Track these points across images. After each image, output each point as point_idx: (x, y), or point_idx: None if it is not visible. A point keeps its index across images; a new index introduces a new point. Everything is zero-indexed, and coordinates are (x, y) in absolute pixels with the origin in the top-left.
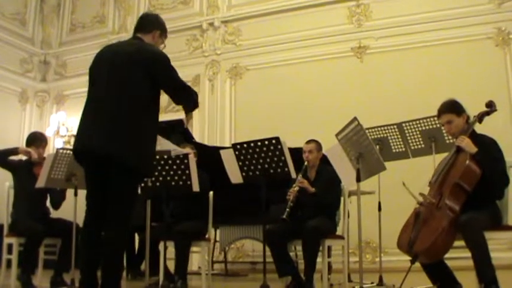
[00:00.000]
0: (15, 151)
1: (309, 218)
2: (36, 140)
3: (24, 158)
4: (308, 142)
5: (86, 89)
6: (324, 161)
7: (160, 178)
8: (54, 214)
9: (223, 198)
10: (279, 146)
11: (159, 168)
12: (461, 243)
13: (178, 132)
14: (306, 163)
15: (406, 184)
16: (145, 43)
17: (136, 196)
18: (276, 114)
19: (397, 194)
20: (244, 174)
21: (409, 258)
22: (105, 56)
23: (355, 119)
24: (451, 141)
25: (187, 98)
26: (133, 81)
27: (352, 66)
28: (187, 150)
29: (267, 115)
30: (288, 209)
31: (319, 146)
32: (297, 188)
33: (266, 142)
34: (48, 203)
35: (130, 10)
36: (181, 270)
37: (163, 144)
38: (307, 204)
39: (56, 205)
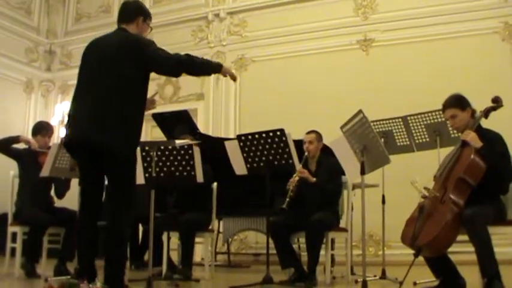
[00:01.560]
0: (16, 139)
1: (312, 211)
2: (42, 129)
3: (25, 146)
4: (308, 133)
5: None
6: (325, 151)
7: (165, 169)
8: (58, 203)
9: (227, 189)
10: (284, 138)
11: (164, 159)
12: (465, 237)
13: (183, 122)
14: (306, 154)
15: (413, 180)
16: (130, 33)
17: (133, 183)
18: (281, 106)
19: (401, 187)
20: (248, 165)
21: (412, 251)
22: (92, 51)
23: (360, 111)
24: (456, 135)
25: (189, 67)
26: (121, 72)
27: (358, 59)
28: (188, 141)
29: (272, 107)
30: (287, 199)
31: (319, 136)
32: (297, 178)
33: (271, 134)
34: (52, 192)
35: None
36: (186, 260)
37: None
38: (309, 195)
39: (60, 195)
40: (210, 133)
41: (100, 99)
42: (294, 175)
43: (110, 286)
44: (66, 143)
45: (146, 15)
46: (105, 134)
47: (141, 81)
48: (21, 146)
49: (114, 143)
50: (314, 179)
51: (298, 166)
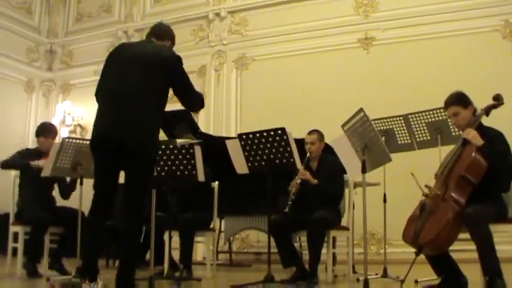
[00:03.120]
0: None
1: (314, 210)
2: (45, 131)
3: (31, 146)
4: (310, 133)
5: (92, 78)
6: (326, 150)
7: (166, 168)
8: (61, 203)
9: (229, 188)
10: (285, 137)
11: (165, 158)
12: (466, 235)
13: (184, 122)
14: (308, 154)
15: (413, 177)
16: (164, 46)
17: (150, 184)
18: (282, 105)
19: (403, 185)
20: (249, 164)
21: (414, 250)
22: (123, 54)
23: (361, 110)
24: (457, 133)
25: (194, 103)
26: (152, 78)
27: (359, 57)
28: (189, 140)
29: (273, 106)
30: (289, 202)
31: (321, 136)
32: (299, 181)
33: (272, 133)
34: (54, 193)
35: (136, 0)
36: (186, 260)
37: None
38: (311, 196)
39: (65, 195)
40: (211, 132)
41: (133, 101)
42: (296, 177)
43: (122, 285)
44: (95, 142)
45: (174, 42)
46: (139, 134)
47: (166, 90)
48: (23, 145)
49: (146, 144)
50: (316, 180)
51: (301, 167)
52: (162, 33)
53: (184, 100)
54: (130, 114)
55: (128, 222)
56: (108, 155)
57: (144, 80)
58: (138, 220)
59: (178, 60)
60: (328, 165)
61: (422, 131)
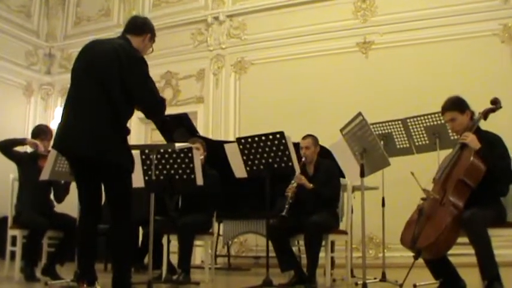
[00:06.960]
0: (22, 142)
1: (311, 213)
2: (42, 133)
3: (30, 150)
4: (304, 138)
5: None
6: (322, 154)
7: (165, 172)
8: (58, 208)
9: (227, 192)
10: (284, 141)
11: (163, 162)
12: (465, 239)
13: (182, 126)
14: (303, 159)
15: (413, 176)
16: (130, 45)
17: (131, 190)
18: (281, 109)
19: (401, 189)
20: (248, 168)
21: (412, 254)
22: (86, 56)
23: (359, 114)
24: (456, 137)
25: (151, 111)
26: (112, 82)
27: (357, 61)
28: (197, 145)
29: (272, 110)
30: (287, 206)
31: (315, 140)
32: (295, 185)
33: (270, 136)
34: (52, 197)
35: (135, 4)
36: (184, 264)
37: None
38: (307, 199)
39: (59, 199)
40: (210, 136)
41: (91, 111)
42: (292, 181)
43: None
44: (55, 148)
45: (154, 34)
46: (98, 146)
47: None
48: (22, 149)
49: (109, 155)
50: (311, 185)
51: (298, 170)
52: (139, 27)
53: (139, 104)
54: (79, 125)
55: (113, 231)
56: (76, 166)
57: (102, 88)
58: (122, 228)
59: (136, 59)
60: (324, 169)
61: (421, 135)
